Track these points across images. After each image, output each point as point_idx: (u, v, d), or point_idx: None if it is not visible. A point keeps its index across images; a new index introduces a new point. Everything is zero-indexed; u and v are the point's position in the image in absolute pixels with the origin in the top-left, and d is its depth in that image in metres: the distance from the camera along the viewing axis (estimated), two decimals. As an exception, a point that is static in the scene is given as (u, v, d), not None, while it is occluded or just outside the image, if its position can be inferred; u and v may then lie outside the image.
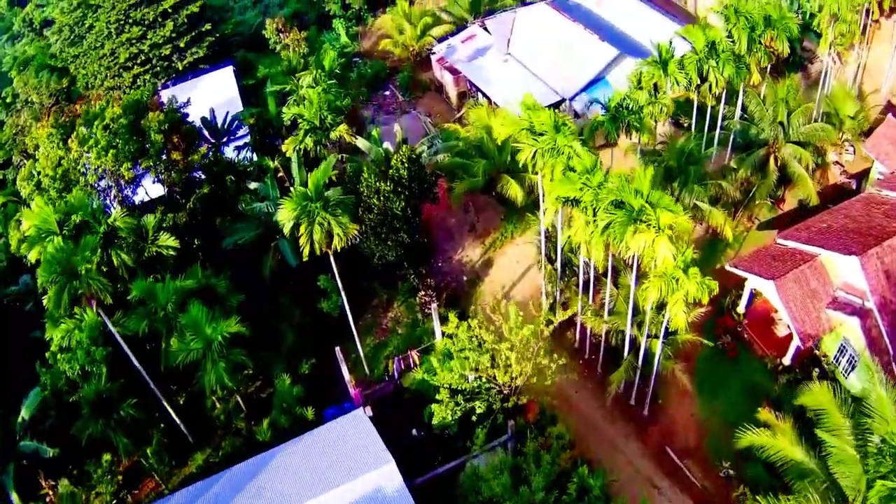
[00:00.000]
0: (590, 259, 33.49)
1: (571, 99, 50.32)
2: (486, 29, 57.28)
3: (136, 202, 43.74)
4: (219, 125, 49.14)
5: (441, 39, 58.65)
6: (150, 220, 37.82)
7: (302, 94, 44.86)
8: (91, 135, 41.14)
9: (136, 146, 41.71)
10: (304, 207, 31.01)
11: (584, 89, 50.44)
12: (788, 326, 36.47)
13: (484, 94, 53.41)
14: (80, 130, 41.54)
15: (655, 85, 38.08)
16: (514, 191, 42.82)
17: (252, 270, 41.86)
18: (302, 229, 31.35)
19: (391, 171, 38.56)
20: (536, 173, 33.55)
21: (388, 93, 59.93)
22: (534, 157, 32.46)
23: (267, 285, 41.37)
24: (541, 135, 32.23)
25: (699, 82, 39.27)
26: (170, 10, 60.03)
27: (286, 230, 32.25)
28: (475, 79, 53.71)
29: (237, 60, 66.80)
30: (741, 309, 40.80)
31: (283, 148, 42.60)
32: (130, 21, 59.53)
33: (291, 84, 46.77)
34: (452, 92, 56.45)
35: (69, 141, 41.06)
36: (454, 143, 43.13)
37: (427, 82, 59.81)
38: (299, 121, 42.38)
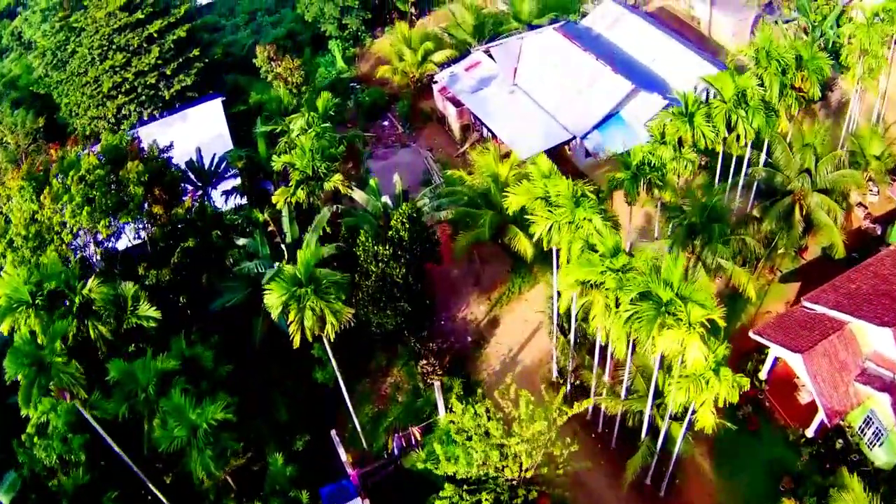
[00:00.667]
0: (608, 342, 30.53)
1: (583, 137, 47.09)
2: (490, 56, 53.93)
3: (119, 248, 40.93)
4: (206, 167, 46.02)
5: (443, 66, 55.32)
6: (128, 288, 34.74)
7: (293, 137, 41.69)
8: (66, 188, 38.09)
9: (115, 199, 38.69)
10: (292, 293, 27.95)
11: (597, 126, 47.19)
12: (812, 394, 34.07)
13: (488, 129, 50.19)
14: (55, 183, 38.43)
15: (680, 139, 34.87)
16: (524, 245, 39.74)
17: (241, 333, 38.93)
18: (291, 315, 28.33)
19: (391, 231, 35.48)
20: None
21: (386, 123, 56.67)
22: (549, 230, 29.43)
23: (257, 350, 38.43)
24: (558, 206, 29.20)
25: (726, 133, 36.07)
26: (155, 35, 56.61)
27: (274, 315, 29.23)
28: (479, 112, 50.44)
29: (228, 85, 63.43)
30: (763, 375, 38.01)
31: (274, 199, 39.46)
32: (114, 47, 56.12)
33: (282, 125, 43.54)
34: (455, 125, 53.19)
35: (42, 196, 37.99)
36: (459, 197, 39.96)
37: (428, 112, 56.54)
38: (290, 170, 39.23)
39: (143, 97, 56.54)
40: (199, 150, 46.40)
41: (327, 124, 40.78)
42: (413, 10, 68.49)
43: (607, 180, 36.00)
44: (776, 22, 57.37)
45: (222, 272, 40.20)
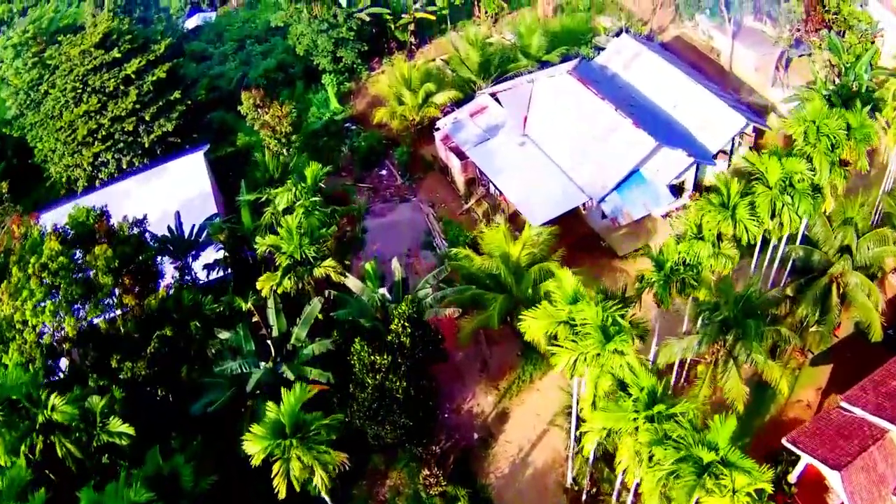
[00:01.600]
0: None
1: (601, 200, 42.88)
2: (498, 101, 49.52)
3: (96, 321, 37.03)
4: (185, 235, 41.89)
5: (445, 110, 50.92)
6: (96, 401, 30.92)
7: (278, 211, 37.61)
8: (27, 277, 34.11)
9: (81, 290, 34.74)
10: (277, 444, 24.02)
11: (615, 187, 42.98)
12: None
13: (496, 187, 45.95)
14: (14, 273, 34.41)
15: (719, 233, 30.72)
16: (537, 334, 35.69)
17: (225, 436, 35.06)
18: (276, 467, 24.45)
19: (390, 336, 31.48)
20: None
21: (384, 172, 52.34)
22: (574, 362, 25.45)
23: (243, 457, 34.56)
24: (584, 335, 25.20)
25: (769, 222, 31.91)
26: (133, 76, 52.18)
27: (255, 461, 25.32)
28: (486, 168, 46.12)
29: (214, 123, 59.07)
30: (793, 478, 34.36)
31: (258, 285, 35.40)
32: (89, 89, 51.73)
33: (267, 194, 39.36)
34: (459, 178, 48.89)
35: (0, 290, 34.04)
36: (465, 288, 35.84)
37: (430, 159, 52.20)
38: (276, 255, 35.17)
39: (122, 144, 52.19)
40: (178, 216, 42.21)
41: (317, 198, 36.63)
42: (413, 39, 63.91)
43: (636, 282, 31.86)
44: (803, 55, 53.06)
45: (204, 363, 36.33)
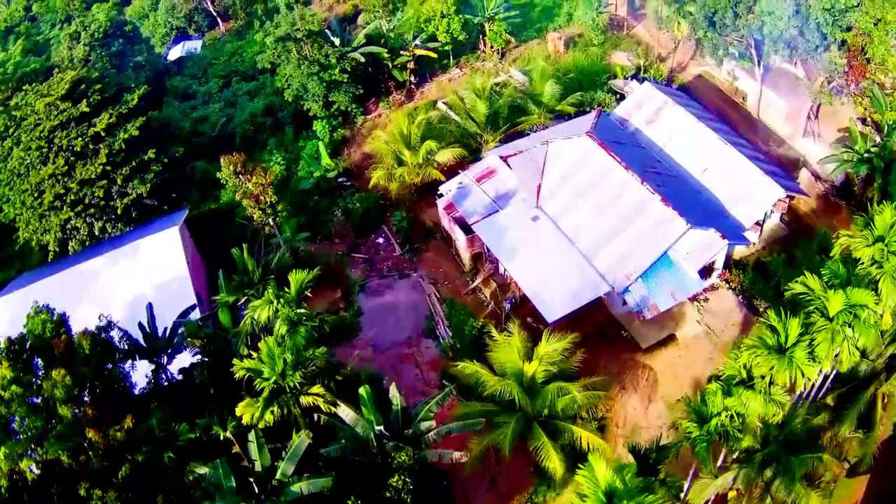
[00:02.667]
0: None
1: (624, 291, 38.32)
2: (507, 163, 44.73)
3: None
4: (159, 333, 37.43)
5: (449, 175, 46.06)
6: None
7: (258, 318, 33.16)
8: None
9: (40, 422, 30.42)
10: None
11: (641, 274, 38.41)
12: None
13: (506, 269, 41.37)
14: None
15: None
16: (554, 462, 31.42)
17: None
18: None
19: (388, 493, 27.11)
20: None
21: (381, 240, 47.59)
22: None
23: None
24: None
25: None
26: (103, 133, 47.36)
27: None
28: (494, 247, 41.40)
29: (197, 172, 54.31)
30: None
31: (238, 412, 30.99)
32: (55, 148, 46.96)
33: (247, 296, 34.89)
34: (465, 254, 44.25)
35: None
36: (475, 422, 31.35)
37: (432, 226, 47.49)
38: (257, 380, 30.70)
39: (92, 209, 47.48)
40: (150, 309, 37.66)
41: (303, 310, 32.08)
42: (412, 77, 58.90)
43: (672, 447, 27.38)
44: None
45: (180, 496, 32.05)
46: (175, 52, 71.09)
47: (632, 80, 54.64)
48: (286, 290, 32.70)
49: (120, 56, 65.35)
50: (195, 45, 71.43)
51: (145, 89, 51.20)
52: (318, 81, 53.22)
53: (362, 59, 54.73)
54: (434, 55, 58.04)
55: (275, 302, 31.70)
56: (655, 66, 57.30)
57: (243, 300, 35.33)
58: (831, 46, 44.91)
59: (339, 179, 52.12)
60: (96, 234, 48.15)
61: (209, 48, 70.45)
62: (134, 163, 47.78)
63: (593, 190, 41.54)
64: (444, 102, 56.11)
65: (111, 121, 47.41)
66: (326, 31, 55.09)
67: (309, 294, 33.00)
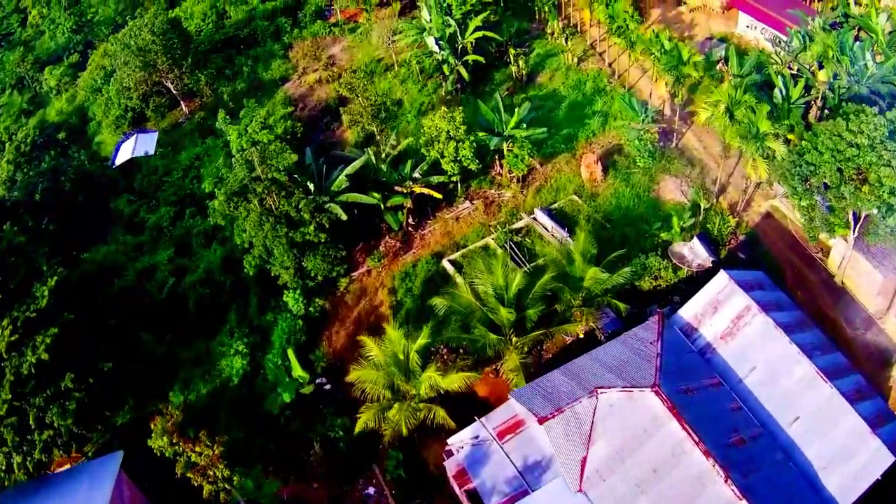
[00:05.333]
0: None
1: None
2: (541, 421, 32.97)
3: None
4: None
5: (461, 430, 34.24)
6: None
7: None
8: None
9: None
10: None
11: None
12: None
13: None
14: None
15: None
16: None
17: None
18: None
19: None
20: None
21: (372, 491, 36.22)
22: None
23: None
24: None
25: None
26: (3, 354, 35.75)
27: None
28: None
29: (135, 378, 42.40)
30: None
31: None
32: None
33: None
34: (483, 543, 33.14)
35: None
36: None
37: (435, 471, 36.12)
38: None
39: (6, 447, 36.29)
40: None
41: None
42: (410, 219, 46.68)
43: None
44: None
45: None
46: (125, 150, 58.54)
47: (693, 239, 42.48)
48: None
49: (52, 173, 53.35)
50: (149, 141, 58.62)
51: (61, 274, 39.16)
52: (287, 246, 41.21)
53: (343, 216, 42.50)
54: (439, 195, 45.76)
55: None
56: (716, 206, 45.10)
57: None
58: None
59: (318, 381, 40.64)
60: (14, 469, 36.96)
61: (165, 146, 57.36)
62: (49, 391, 36.40)
63: (658, 480, 30.09)
64: (449, 261, 44.15)
65: (13, 338, 35.83)
66: (296, 176, 42.70)
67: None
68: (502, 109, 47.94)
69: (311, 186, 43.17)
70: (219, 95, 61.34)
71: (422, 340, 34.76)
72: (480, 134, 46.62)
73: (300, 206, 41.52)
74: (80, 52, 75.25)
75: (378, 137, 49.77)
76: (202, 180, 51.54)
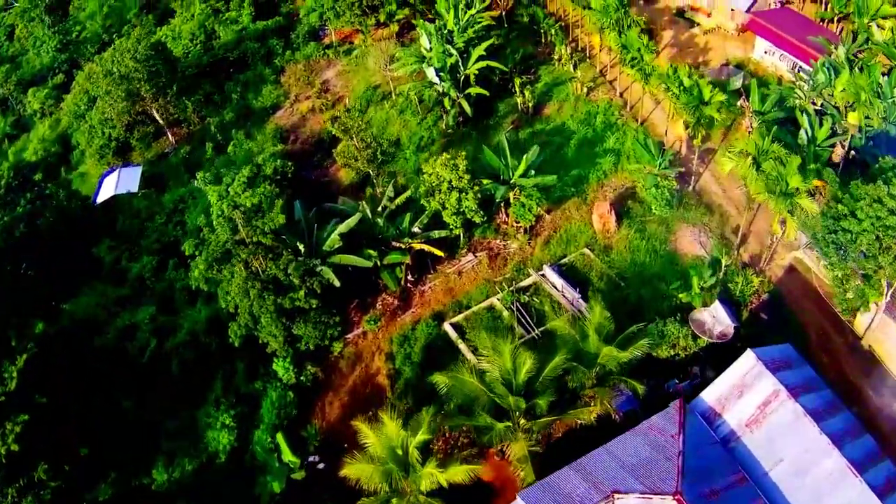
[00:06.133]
0: None
1: None
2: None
3: None
4: None
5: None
6: None
7: None
8: None
9: None
10: None
11: None
12: None
13: None
14: None
15: None
16: None
17: None
18: None
19: None
20: None
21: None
22: None
23: None
24: None
25: None
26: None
27: None
28: None
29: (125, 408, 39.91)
30: None
31: None
32: None
33: None
34: None
35: None
36: None
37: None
38: None
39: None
40: None
41: None
42: (409, 275, 43.57)
43: None
44: None
45: None
46: (108, 187, 55.34)
47: (715, 303, 39.29)
48: None
49: (29, 217, 50.25)
50: (133, 177, 55.37)
51: (32, 351, 36.30)
52: (276, 314, 38.17)
53: (336, 282, 39.38)
54: (440, 253, 42.62)
55: None
56: (736, 260, 41.90)
57: None
58: None
59: (311, 459, 37.81)
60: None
61: (150, 183, 54.22)
62: (21, 482, 33.70)
63: None
64: (450, 325, 41.09)
65: (-22, 432, 33.16)
66: (284, 237, 39.55)
67: None
68: (508, 153, 44.60)
69: (301, 247, 40.04)
70: (206, 126, 58.01)
71: (421, 436, 31.78)
72: (485, 182, 43.29)
73: (289, 270, 38.46)
74: (66, 73, 71.78)
75: (374, 181, 46.59)
76: (186, 226, 48.44)
